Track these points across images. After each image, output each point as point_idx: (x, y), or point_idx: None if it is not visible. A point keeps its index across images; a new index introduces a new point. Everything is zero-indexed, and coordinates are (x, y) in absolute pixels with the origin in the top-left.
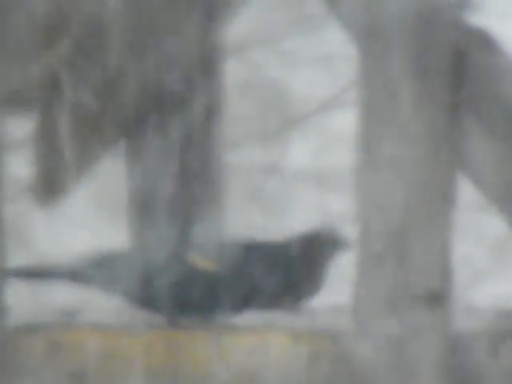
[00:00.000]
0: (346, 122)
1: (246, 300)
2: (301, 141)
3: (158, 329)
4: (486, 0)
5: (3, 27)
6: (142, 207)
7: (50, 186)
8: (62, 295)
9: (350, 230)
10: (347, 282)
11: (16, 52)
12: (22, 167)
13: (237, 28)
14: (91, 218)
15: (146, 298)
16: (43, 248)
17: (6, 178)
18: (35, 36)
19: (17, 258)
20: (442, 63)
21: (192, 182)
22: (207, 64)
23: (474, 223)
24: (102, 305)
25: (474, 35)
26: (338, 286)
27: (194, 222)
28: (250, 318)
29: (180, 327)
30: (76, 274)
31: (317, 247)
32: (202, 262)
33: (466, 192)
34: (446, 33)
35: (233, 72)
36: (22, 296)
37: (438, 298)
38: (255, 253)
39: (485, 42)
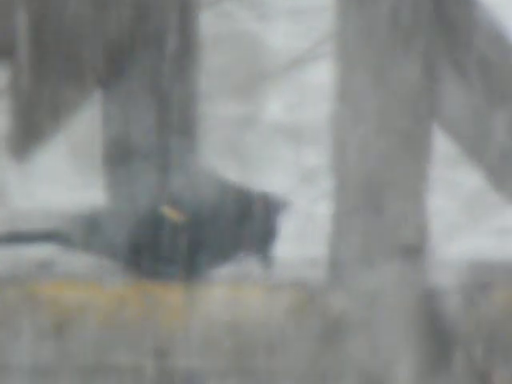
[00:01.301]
0: (321, 74)
1: (217, 251)
2: (276, 94)
3: (133, 281)
4: None
5: None
6: (117, 159)
7: (25, 137)
8: (37, 247)
9: (325, 183)
10: (323, 235)
11: None
12: None
13: None
14: (66, 172)
15: (123, 253)
16: (18, 202)
17: None
18: None
19: None
20: (418, 13)
21: (168, 133)
22: (182, 15)
23: (448, 177)
24: (78, 256)
25: None
26: (313, 239)
27: (170, 174)
28: (225, 270)
29: (155, 280)
30: (55, 236)
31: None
32: (174, 214)
33: (441, 145)
34: None
35: (207, 24)
36: None
37: (413, 251)
38: (224, 204)
39: None
